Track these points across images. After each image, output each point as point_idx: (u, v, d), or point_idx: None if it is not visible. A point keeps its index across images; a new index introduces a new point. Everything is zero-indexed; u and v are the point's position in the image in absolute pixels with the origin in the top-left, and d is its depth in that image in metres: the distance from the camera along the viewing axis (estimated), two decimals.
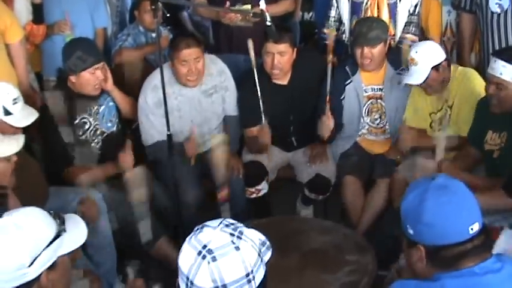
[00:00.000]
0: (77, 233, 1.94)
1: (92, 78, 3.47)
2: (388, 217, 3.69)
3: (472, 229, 1.67)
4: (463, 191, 1.74)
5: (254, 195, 3.91)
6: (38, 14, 4.17)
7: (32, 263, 1.76)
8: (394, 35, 4.05)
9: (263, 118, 3.74)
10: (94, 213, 3.28)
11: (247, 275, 1.51)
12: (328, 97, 3.74)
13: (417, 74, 3.46)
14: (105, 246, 3.41)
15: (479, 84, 3.46)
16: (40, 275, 1.79)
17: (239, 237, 1.54)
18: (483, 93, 3.31)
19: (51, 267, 1.82)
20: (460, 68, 3.62)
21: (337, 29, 4.20)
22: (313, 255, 3.10)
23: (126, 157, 3.48)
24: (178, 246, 3.42)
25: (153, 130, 3.74)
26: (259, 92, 3.72)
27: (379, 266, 3.00)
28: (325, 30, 4.23)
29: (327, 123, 3.75)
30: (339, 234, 3.31)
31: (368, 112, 3.89)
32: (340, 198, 3.95)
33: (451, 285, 1.65)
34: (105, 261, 3.37)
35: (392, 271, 2.46)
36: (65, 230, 1.88)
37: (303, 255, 3.09)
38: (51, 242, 1.82)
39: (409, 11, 4.04)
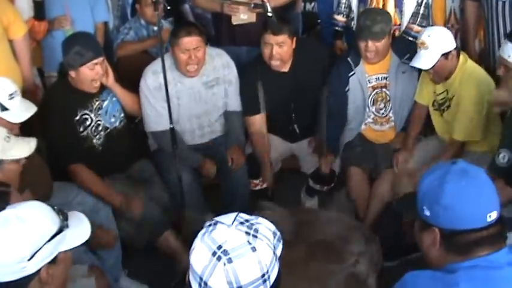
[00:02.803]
0: (80, 230, 1.93)
1: (91, 73, 3.43)
2: (396, 201, 3.68)
3: (490, 216, 1.64)
4: (484, 177, 1.71)
5: (258, 187, 3.90)
6: (40, 10, 4.15)
7: (32, 257, 1.75)
8: (399, 24, 4.03)
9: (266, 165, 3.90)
10: (110, 241, 3.28)
11: (263, 275, 1.47)
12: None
13: (426, 59, 3.40)
14: None
15: (477, 91, 3.41)
16: (40, 269, 1.78)
17: (255, 236, 1.49)
18: (478, 102, 3.35)
19: (52, 262, 1.81)
20: (468, 64, 3.52)
21: (347, 16, 4.21)
22: (319, 246, 3.10)
23: (138, 205, 3.47)
24: (181, 240, 3.47)
25: (154, 114, 3.69)
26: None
27: (385, 257, 3.00)
28: (336, 17, 4.25)
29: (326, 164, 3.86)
30: (344, 225, 3.30)
31: (373, 102, 3.87)
32: (345, 188, 3.94)
33: (466, 279, 1.60)
34: (110, 256, 3.36)
35: None
36: (67, 226, 1.87)
37: (308, 246, 3.09)
38: (52, 237, 1.80)
39: (417, 1, 4.01)
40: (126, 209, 3.43)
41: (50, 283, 1.82)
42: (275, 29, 3.59)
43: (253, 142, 3.93)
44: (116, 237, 3.34)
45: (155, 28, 4.39)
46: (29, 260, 1.75)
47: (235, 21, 4.18)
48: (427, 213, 1.69)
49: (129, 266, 3.59)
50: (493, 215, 1.64)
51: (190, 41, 3.54)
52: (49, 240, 1.79)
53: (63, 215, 1.88)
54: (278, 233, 1.56)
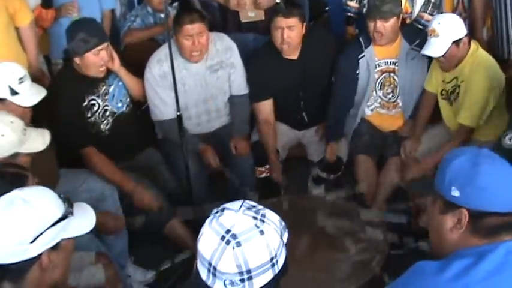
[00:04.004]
0: (84, 220, 1.92)
1: (97, 59, 3.43)
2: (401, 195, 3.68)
3: None
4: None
5: (264, 175, 3.90)
6: None
7: (34, 240, 1.74)
8: (411, 13, 4.02)
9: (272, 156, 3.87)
10: (118, 226, 3.26)
11: (272, 259, 1.49)
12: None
13: (437, 46, 3.38)
14: None
15: (486, 79, 3.39)
16: (41, 254, 1.77)
17: (262, 221, 1.51)
18: (487, 90, 3.34)
19: (54, 248, 1.80)
20: (479, 52, 3.50)
21: (359, 2, 4.21)
22: (325, 234, 3.10)
23: (151, 201, 3.46)
24: (188, 227, 3.48)
25: (160, 103, 3.69)
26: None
27: (391, 245, 3.00)
28: (349, 3, 4.26)
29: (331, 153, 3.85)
30: (350, 213, 3.30)
31: (381, 86, 3.85)
32: (352, 177, 3.94)
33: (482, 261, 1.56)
34: (117, 243, 3.37)
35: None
36: (72, 214, 1.86)
37: (315, 234, 3.09)
38: (56, 222, 1.80)
39: None
40: (137, 201, 3.42)
41: (50, 269, 1.81)
42: (286, 12, 3.59)
43: (260, 131, 3.92)
44: (123, 222, 3.34)
45: (162, 15, 4.38)
46: (31, 242, 1.74)
47: (243, 18, 4.20)
48: (456, 193, 1.63)
49: (135, 253, 3.60)
50: None
51: (193, 28, 3.54)
52: (52, 225, 1.78)
53: (68, 202, 1.88)
54: (283, 223, 1.57)
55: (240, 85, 3.88)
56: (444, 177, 1.66)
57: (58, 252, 1.82)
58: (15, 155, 2.66)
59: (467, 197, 1.61)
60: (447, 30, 3.36)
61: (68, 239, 1.85)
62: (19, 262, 1.74)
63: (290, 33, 3.65)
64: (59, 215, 1.81)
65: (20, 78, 3.10)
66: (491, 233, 1.60)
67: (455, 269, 1.56)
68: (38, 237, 1.74)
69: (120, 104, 3.68)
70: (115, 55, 3.55)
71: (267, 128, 3.88)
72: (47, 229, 1.76)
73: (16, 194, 1.79)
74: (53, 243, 1.79)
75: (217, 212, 1.54)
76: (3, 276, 1.76)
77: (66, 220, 1.82)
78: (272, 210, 1.59)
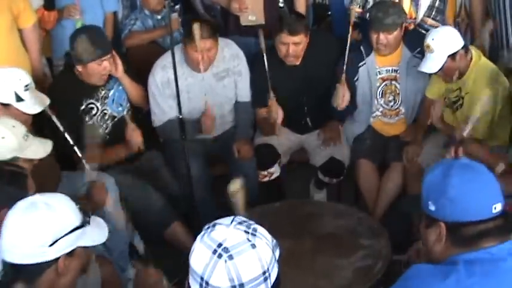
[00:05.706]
0: (98, 232, 1.99)
1: (99, 68, 3.43)
2: (403, 201, 3.66)
3: (495, 208, 1.66)
4: (486, 171, 1.74)
5: (266, 179, 3.89)
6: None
7: (53, 243, 1.81)
8: (415, 18, 4.01)
9: (271, 95, 3.70)
10: (102, 197, 3.24)
11: (264, 272, 1.48)
12: (344, 69, 3.68)
13: (433, 62, 3.40)
14: (118, 231, 3.39)
15: (492, 89, 3.35)
16: (57, 258, 1.84)
17: (253, 235, 1.50)
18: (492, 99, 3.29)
19: (70, 254, 1.87)
20: (482, 61, 3.49)
21: (363, 7, 4.19)
22: (327, 240, 3.10)
23: (133, 134, 3.46)
24: (191, 232, 3.46)
25: (160, 112, 3.71)
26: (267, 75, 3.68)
27: (394, 251, 2.98)
28: (351, 7, 4.22)
29: (342, 92, 3.69)
30: (352, 218, 3.30)
31: (382, 94, 3.85)
32: (354, 181, 3.93)
33: (468, 270, 1.61)
34: (118, 246, 3.36)
35: (409, 253, 2.45)
36: (89, 223, 1.94)
37: (317, 239, 3.09)
38: (74, 230, 1.87)
39: None
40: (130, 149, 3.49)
41: (65, 274, 1.88)
42: (292, 29, 3.60)
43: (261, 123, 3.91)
44: (109, 196, 3.25)
45: (159, 17, 4.40)
46: (50, 245, 1.81)
47: (243, 22, 4.20)
48: (432, 208, 1.71)
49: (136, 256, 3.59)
50: (498, 207, 1.67)
51: (204, 43, 3.52)
52: (71, 231, 1.86)
53: (85, 212, 1.95)
54: (275, 240, 1.57)
55: (246, 92, 3.89)
56: (423, 192, 1.75)
57: (73, 259, 1.90)
58: (15, 159, 2.68)
59: (442, 210, 1.69)
60: (441, 45, 3.36)
61: (83, 247, 1.92)
62: (35, 264, 1.82)
63: (295, 48, 3.67)
64: (77, 223, 1.89)
65: (26, 85, 3.12)
66: (471, 242, 1.67)
67: (453, 275, 1.61)
68: (57, 241, 1.82)
69: (120, 108, 3.67)
70: (119, 62, 3.54)
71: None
72: (66, 234, 1.84)
73: (38, 198, 1.88)
74: (69, 249, 1.87)
75: (208, 228, 1.54)
76: (17, 276, 1.83)
77: (83, 229, 1.90)
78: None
